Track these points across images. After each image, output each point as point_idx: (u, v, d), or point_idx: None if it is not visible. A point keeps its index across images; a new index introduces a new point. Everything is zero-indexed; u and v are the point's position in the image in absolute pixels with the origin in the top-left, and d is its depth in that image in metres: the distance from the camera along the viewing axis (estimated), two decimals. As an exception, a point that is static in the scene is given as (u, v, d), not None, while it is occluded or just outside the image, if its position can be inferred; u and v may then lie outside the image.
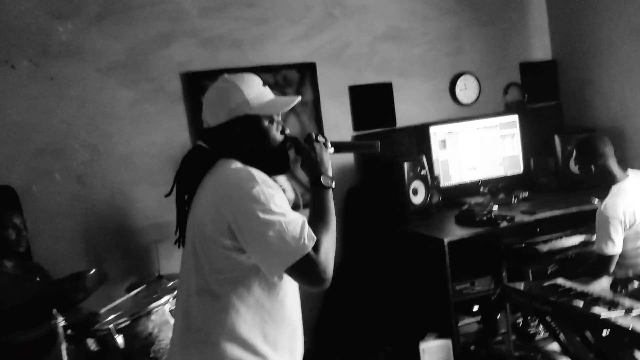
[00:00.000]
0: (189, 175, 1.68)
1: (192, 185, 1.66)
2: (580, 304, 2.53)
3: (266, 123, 1.69)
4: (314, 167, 1.72)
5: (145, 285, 2.89)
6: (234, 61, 3.77)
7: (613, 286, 2.68)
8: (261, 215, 1.50)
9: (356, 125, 4.13)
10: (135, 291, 2.74)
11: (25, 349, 2.64)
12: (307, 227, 1.54)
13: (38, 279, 2.97)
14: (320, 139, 1.77)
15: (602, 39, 4.27)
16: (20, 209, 3.11)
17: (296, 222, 1.53)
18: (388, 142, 4.16)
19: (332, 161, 1.79)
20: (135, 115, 3.58)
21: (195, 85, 3.67)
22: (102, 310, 2.49)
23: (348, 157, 4.11)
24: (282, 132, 1.74)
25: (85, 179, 3.48)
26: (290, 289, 1.64)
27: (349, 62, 4.11)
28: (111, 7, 3.49)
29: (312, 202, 1.69)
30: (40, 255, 3.28)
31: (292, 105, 1.74)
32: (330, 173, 1.73)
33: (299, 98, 1.78)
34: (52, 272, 3.10)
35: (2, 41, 3.28)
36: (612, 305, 2.47)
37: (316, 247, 1.53)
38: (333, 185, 1.71)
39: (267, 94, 1.74)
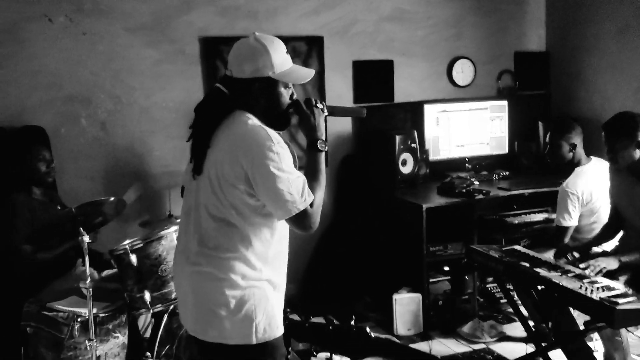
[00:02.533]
0: (209, 115, 1.92)
1: (212, 125, 1.91)
2: (527, 264, 2.92)
3: (282, 88, 1.96)
4: (311, 131, 1.98)
5: (154, 220, 3.31)
6: (248, 30, 4.00)
7: (556, 255, 3.06)
8: (275, 171, 1.81)
9: (356, 98, 4.49)
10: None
11: (49, 266, 3.10)
12: (307, 186, 1.85)
13: (59, 207, 3.40)
14: (320, 105, 2.02)
15: (592, 35, 4.59)
16: (49, 147, 3.53)
17: (299, 181, 1.84)
18: (384, 115, 4.54)
19: (330, 129, 2.07)
20: (157, 73, 3.98)
21: (212, 50, 4.05)
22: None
23: (346, 128, 4.47)
24: (291, 97, 1.99)
25: (108, 126, 3.90)
26: (284, 224, 2.00)
27: (355, 39, 4.47)
28: (141, -28, 3.87)
29: (307, 162, 1.98)
30: (62, 190, 3.71)
31: (308, 80, 2.03)
32: (324, 137, 2.03)
33: (314, 72, 2.06)
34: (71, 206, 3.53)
35: (43, -3, 3.68)
36: (553, 268, 2.87)
37: (312, 203, 1.86)
38: (326, 149, 2.03)
39: (289, 61, 1.97)
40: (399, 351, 3.46)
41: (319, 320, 3.85)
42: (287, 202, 1.84)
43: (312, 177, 1.94)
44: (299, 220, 1.87)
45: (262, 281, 1.94)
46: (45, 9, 3.69)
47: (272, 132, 1.88)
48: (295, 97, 2.04)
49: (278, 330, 1.95)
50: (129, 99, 3.94)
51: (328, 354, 3.25)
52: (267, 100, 1.95)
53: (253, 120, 1.92)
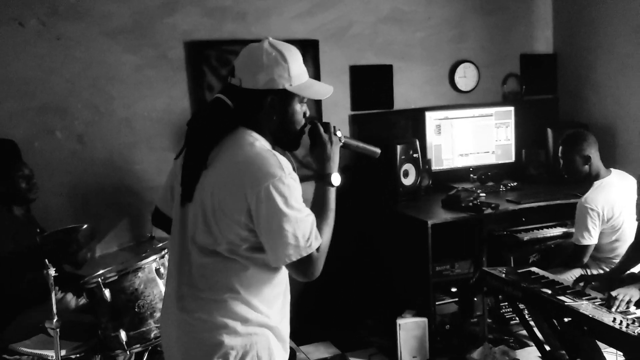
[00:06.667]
0: (208, 130, 1.65)
1: (210, 143, 1.64)
2: (548, 291, 2.64)
3: (297, 104, 1.70)
4: (326, 161, 1.72)
5: (134, 243, 3.01)
6: (237, 33, 3.83)
7: (577, 281, 2.77)
8: (283, 207, 1.54)
9: (354, 105, 4.21)
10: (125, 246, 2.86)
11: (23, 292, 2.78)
12: (315, 228, 1.60)
13: (38, 230, 3.10)
14: (339, 133, 1.76)
15: (603, 36, 4.32)
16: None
17: (307, 221, 1.58)
18: (384, 123, 4.26)
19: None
20: (138, 80, 3.66)
21: (198, 54, 3.75)
22: (98, 254, 2.62)
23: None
24: (304, 115, 1.74)
25: (86, 139, 3.58)
26: None
27: (351, 42, 4.17)
28: (120, -29, 3.56)
29: (316, 197, 1.70)
30: (38, 208, 3.38)
31: (326, 97, 1.76)
32: (337, 170, 1.73)
33: (332, 89, 1.78)
34: (48, 226, 3.21)
35: (12, -1, 3.36)
36: (577, 295, 2.59)
37: (318, 248, 1.60)
38: (339, 184, 1.71)
39: (305, 74, 1.72)
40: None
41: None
42: (289, 246, 1.55)
43: (320, 216, 1.65)
44: (300, 266, 1.58)
45: (264, 328, 1.65)
46: (14, 12, 3.37)
47: (283, 159, 1.60)
48: (308, 115, 1.75)
49: None
50: (107, 108, 3.62)
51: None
52: (279, 116, 1.68)
53: (260, 142, 1.65)
